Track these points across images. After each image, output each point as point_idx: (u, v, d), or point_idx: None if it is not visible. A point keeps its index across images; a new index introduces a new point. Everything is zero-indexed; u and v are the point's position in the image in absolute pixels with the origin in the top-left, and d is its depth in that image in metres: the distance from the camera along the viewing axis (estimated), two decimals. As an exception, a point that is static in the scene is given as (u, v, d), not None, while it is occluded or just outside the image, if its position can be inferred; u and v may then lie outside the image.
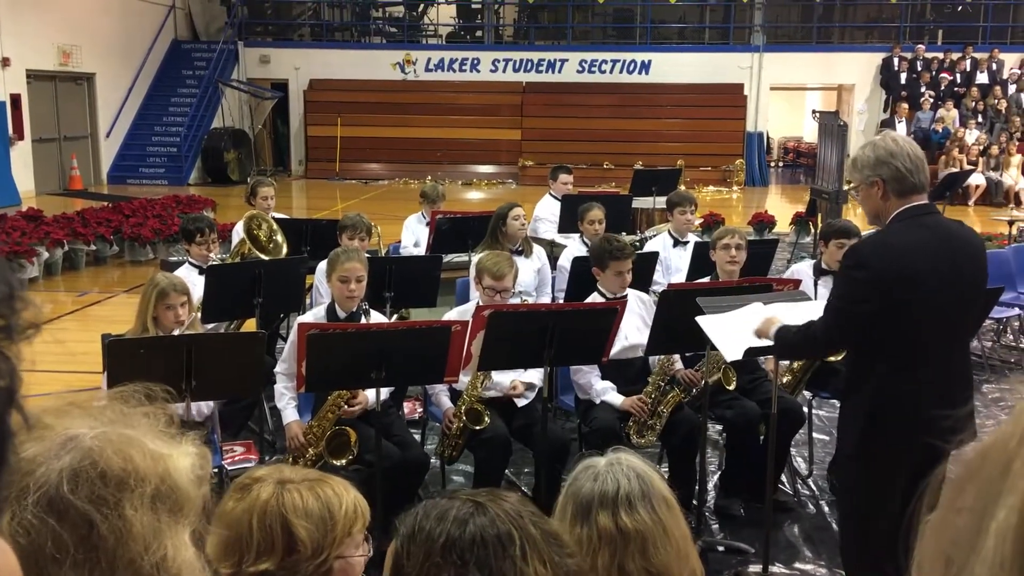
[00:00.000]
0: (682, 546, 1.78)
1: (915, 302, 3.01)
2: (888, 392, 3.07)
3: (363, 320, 4.39)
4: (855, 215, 14.39)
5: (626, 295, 4.77)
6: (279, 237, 6.25)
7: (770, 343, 3.54)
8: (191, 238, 5.62)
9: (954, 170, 15.63)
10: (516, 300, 4.74)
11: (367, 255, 5.10)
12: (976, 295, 3.30)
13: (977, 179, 16.68)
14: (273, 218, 6.59)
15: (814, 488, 5.15)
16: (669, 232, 6.63)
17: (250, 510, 1.59)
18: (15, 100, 16.06)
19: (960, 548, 0.70)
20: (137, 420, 1.04)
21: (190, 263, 5.61)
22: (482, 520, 1.07)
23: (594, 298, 4.83)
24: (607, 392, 4.67)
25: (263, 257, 5.96)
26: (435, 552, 1.07)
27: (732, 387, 4.75)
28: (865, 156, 3.14)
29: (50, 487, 0.95)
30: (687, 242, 6.48)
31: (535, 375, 4.62)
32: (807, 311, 3.72)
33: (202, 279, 5.23)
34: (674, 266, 6.34)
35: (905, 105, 18.43)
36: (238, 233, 6.65)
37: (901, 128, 16.91)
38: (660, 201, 8.63)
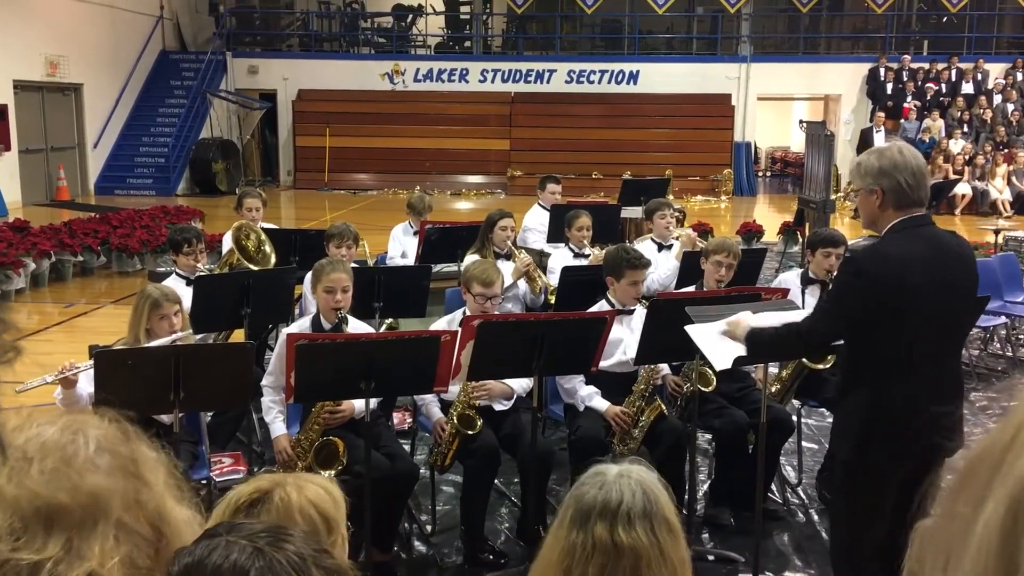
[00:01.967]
0: (679, 571, 1.76)
1: (910, 311, 3.04)
2: (882, 399, 3.09)
3: (342, 328, 4.37)
4: (843, 224, 14.48)
5: (635, 308, 4.76)
6: (267, 247, 6.23)
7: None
8: (179, 249, 5.60)
9: (940, 179, 15.73)
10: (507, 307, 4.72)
11: (355, 265, 5.09)
12: (967, 304, 3.32)
13: (963, 188, 16.77)
14: (261, 228, 6.58)
15: (803, 497, 5.16)
16: (652, 239, 6.64)
17: (289, 515, 1.68)
18: (2, 111, 15.99)
19: (955, 554, 0.70)
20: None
21: (177, 274, 5.59)
22: (260, 563, 1.08)
23: (602, 306, 4.82)
24: (592, 397, 4.67)
25: (251, 267, 5.94)
26: None
27: (711, 388, 4.75)
28: (870, 163, 3.15)
29: (94, 447, 1.09)
30: (671, 246, 6.52)
31: (518, 384, 4.62)
32: (795, 320, 3.72)
33: (190, 290, 5.20)
34: (661, 270, 6.34)
35: (882, 114, 18.36)
36: (227, 243, 6.63)
37: (880, 138, 16.94)
38: (649, 211, 8.62)
